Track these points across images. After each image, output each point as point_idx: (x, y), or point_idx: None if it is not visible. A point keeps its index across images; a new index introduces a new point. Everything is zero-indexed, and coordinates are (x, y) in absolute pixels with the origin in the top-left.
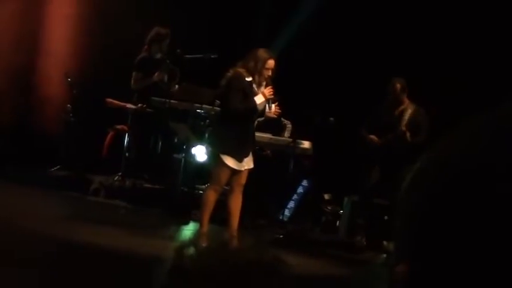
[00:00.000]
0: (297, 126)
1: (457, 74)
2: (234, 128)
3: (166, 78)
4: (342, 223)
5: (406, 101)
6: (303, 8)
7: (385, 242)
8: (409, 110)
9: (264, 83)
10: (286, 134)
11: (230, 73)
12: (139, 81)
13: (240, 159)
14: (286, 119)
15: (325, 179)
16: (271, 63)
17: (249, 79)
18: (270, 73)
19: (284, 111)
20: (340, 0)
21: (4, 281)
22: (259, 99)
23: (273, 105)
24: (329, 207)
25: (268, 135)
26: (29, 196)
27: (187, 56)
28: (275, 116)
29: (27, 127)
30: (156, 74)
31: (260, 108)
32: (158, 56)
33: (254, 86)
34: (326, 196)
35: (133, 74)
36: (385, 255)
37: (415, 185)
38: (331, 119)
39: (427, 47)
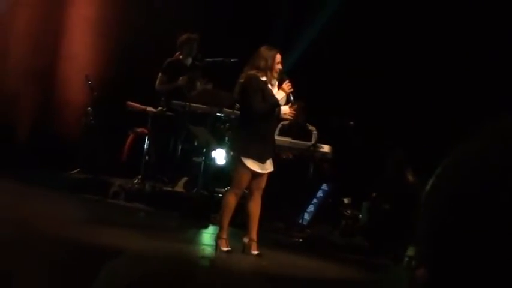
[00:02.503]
0: (317, 130)
1: (475, 77)
2: (255, 131)
3: (199, 83)
4: (360, 227)
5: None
6: (322, 11)
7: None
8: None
9: (275, 80)
10: (313, 139)
11: (243, 78)
12: (163, 83)
13: (262, 162)
14: (311, 125)
15: (344, 183)
16: (279, 57)
17: (264, 79)
18: (280, 66)
19: (307, 117)
20: (359, 3)
21: (23, 283)
22: (279, 94)
23: (288, 107)
24: (348, 211)
25: (288, 139)
26: (48, 199)
27: (207, 59)
28: (290, 118)
29: (47, 130)
30: (180, 79)
31: (282, 103)
32: (189, 60)
33: (269, 85)
34: (345, 200)
35: (159, 75)
36: (406, 259)
37: (435, 190)
38: (351, 122)
39: (447, 51)
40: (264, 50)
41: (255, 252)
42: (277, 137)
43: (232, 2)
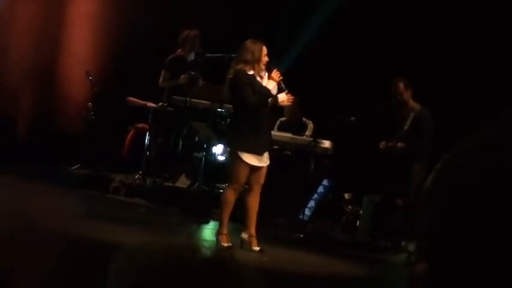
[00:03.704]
0: (318, 126)
1: (475, 73)
2: (249, 125)
3: (200, 80)
4: (362, 223)
5: (411, 102)
6: (324, 7)
7: (403, 242)
8: (411, 114)
9: (264, 72)
10: (308, 132)
11: (231, 74)
12: (166, 80)
13: (259, 154)
14: (308, 119)
15: (345, 179)
16: (265, 49)
17: (251, 72)
18: (267, 58)
19: (305, 111)
20: (361, 0)
21: (24, 278)
22: (270, 84)
23: (285, 94)
24: (349, 207)
25: (289, 135)
26: (49, 194)
27: (208, 55)
28: (290, 104)
29: (48, 125)
30: (182, 77)
31: (274, 92)
32: (191, 57)
33: (257, 78)
34: (346, 195)
35: (162, 72)
36: (406, 255)
37: (436, 185)
38: (352, 118)
39: (447, 45)
40: (249, 44)
41: (257, 248)
42: (277, 133)
43: None
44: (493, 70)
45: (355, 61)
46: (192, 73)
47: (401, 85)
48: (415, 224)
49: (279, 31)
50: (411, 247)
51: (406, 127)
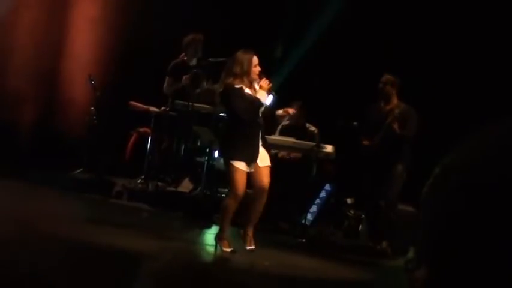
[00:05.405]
0: (321, 130)
1: (472, 81)
2: (240, 135)
3: (205, 84)
4: (364, 227)
5: (396, 100)
6: (327, 11)
7: (384, 243)
8: (396, 110)
9: (256, 81)
10: (316, 140)
11: (221, 88)
12: (170, 86)
13: (249, 163)
14: (311, 123)
15: (347, 183)
16: (255, 59)
17: (239, 86)
18: (259, 68)
19: (308, 116)
20: (363, 5)
21: (25, 283)
22: (261, 94)
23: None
24: (351, 212)
25: (291, 139)
26: (51, 198)
27: (210, 59)
28: (287, 114)
29: (50, 129)
30: (184, 78)
31: (267, 102)
32: (194, 61)
33: (246, 90)
34: (348, 200)
35: (166, 78)
36: (404, 260)
37: (434, 192)
38: (355, 123)
39: (448, 51)
40: (239, 55)
41: (249, 248)
42: (280, 138)
43: (235, 1)
44: (481, 79)
45: (358, 66)
46: (194, 70)
47: (388, 77)
48: (396, 225)
49: (282, 35)
50: (409, 254)
51: (391, 118)
